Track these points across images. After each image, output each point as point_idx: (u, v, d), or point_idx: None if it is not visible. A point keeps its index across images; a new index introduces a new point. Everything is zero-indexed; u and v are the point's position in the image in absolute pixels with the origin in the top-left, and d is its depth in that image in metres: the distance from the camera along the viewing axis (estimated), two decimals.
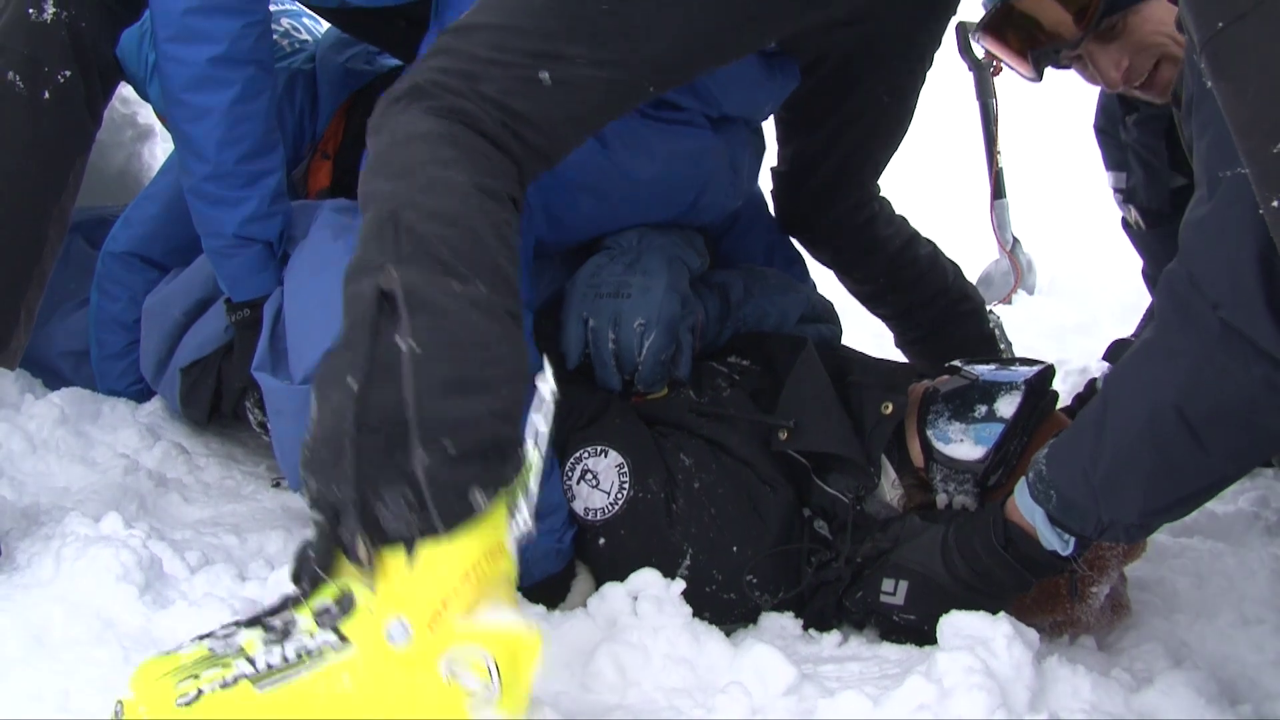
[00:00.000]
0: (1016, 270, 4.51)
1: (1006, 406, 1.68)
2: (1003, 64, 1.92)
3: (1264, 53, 0.98)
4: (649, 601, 1.47)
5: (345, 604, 1.16)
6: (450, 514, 1.14)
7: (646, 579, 1.50)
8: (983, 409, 1.69)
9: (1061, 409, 1.80)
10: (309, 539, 1.21)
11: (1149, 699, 1.32)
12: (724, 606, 1.67)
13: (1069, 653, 1.46)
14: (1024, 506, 1.47)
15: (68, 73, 1.72)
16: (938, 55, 2.27)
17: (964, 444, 1.68)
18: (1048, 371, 1.76)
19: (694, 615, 1.56)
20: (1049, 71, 1.94)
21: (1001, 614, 1.38)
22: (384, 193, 1.32)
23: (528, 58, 1.43)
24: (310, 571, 1.19)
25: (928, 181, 2.57)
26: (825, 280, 2.56)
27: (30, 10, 1.70)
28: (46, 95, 1.70)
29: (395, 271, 1.23)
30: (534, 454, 1.21)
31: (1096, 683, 1.32)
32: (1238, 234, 1.15)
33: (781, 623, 1.59)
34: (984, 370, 1.78)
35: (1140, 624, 1.60)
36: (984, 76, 4.35)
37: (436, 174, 1.33)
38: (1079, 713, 1.29)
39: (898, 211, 2.53)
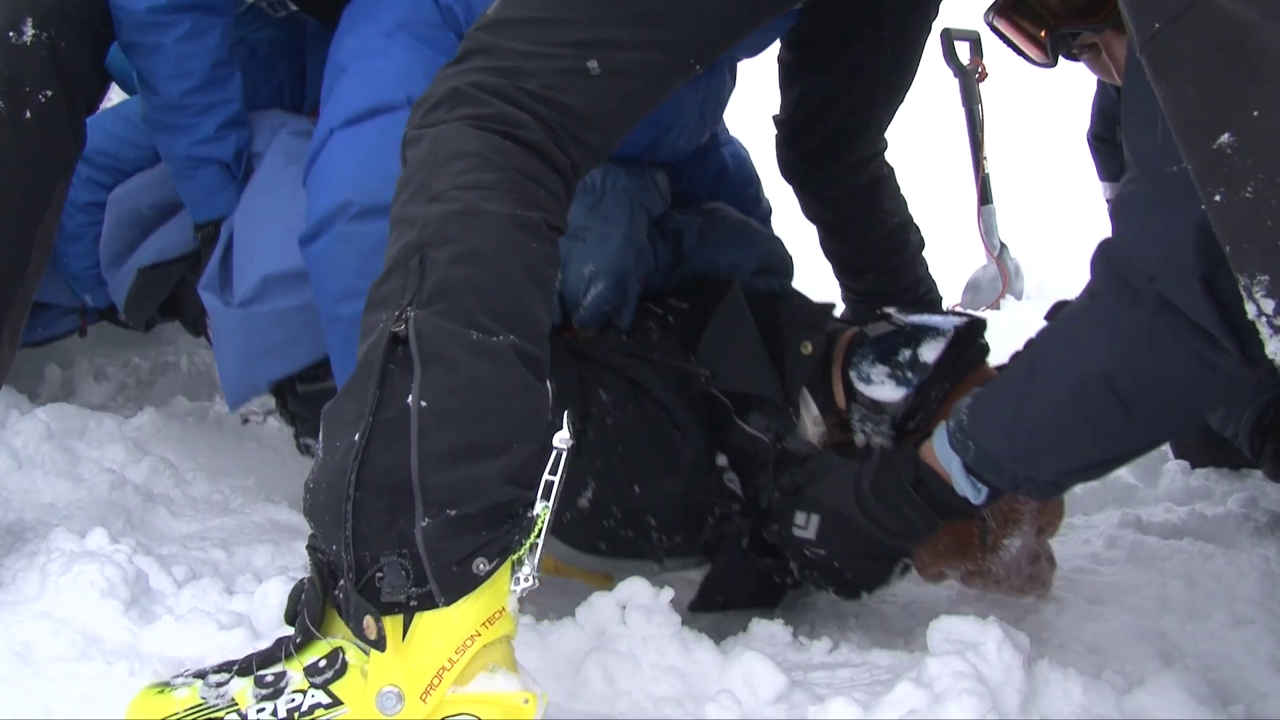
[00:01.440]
0: (1004, 275, 4.53)
1: (930, 352, 1.69)
2: (1016, 50, 1.86)
3: (1197, 53, 1.00)
4: (637, 610, 1.46)
5: (337, 663, 1.16)
6: (451, 586, 1.11)
7: (635, 588, 1.49)
8: (907, 354, 1.70)
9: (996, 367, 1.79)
10: (305, 581, 1.20)
11: (1140, 701, 1.32)
12: (620, 542, 1.71)
13: (1060, 655, 1.46)
14: (941, 453, 1.48)
15: (49, 92, 1.74)
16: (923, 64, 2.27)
17: (885, 386, 1.70)
18: (978, 323, 1.77)
19: (589, 548, 1.63)
20: (1033, 77, 1.93)
21: (992, 618, 1.38)
22: (415, 220, 1.26)
23: (573, 48, 1.36)
24: (303, 625, 1.18)
25: (914, 187, 2.54)
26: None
27: (10, 33, 1.72)
28: (28, 115, 1.71)
29: (412, 315, 1.18)
30: (544, 511, 1.16)
31: (1088, 685, 1.31)
32: (1181, 214, 1.16)
33: (771, 630, 1.58)
34: (915, 318, 1.79)
35: (1131, 626, 1.59)
36: (969, 82, 4.37)
37: (473, 204, 1.25)
38: (1070, 715, 1.29)
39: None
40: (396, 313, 1.19)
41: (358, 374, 1.20)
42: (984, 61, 4.34)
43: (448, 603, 1.11)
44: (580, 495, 1.68)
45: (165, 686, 1.20)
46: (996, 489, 1.45)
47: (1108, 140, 2.41)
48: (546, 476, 1.17)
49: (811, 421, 1.75)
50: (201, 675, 1.20)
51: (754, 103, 2.66)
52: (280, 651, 1.18)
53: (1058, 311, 1.56)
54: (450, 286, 1.20)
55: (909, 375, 1.69)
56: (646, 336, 1.85)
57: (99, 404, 2.72)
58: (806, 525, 1.62)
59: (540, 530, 1.15)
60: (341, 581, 1.14)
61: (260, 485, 2.25)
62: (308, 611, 1.17)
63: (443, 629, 1.11)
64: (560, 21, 1.37)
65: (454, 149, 1.30)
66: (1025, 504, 1.61)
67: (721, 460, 1.77)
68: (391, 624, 1.11)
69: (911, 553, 1.64)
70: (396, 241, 1.27)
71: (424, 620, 1.11)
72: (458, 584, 1.11)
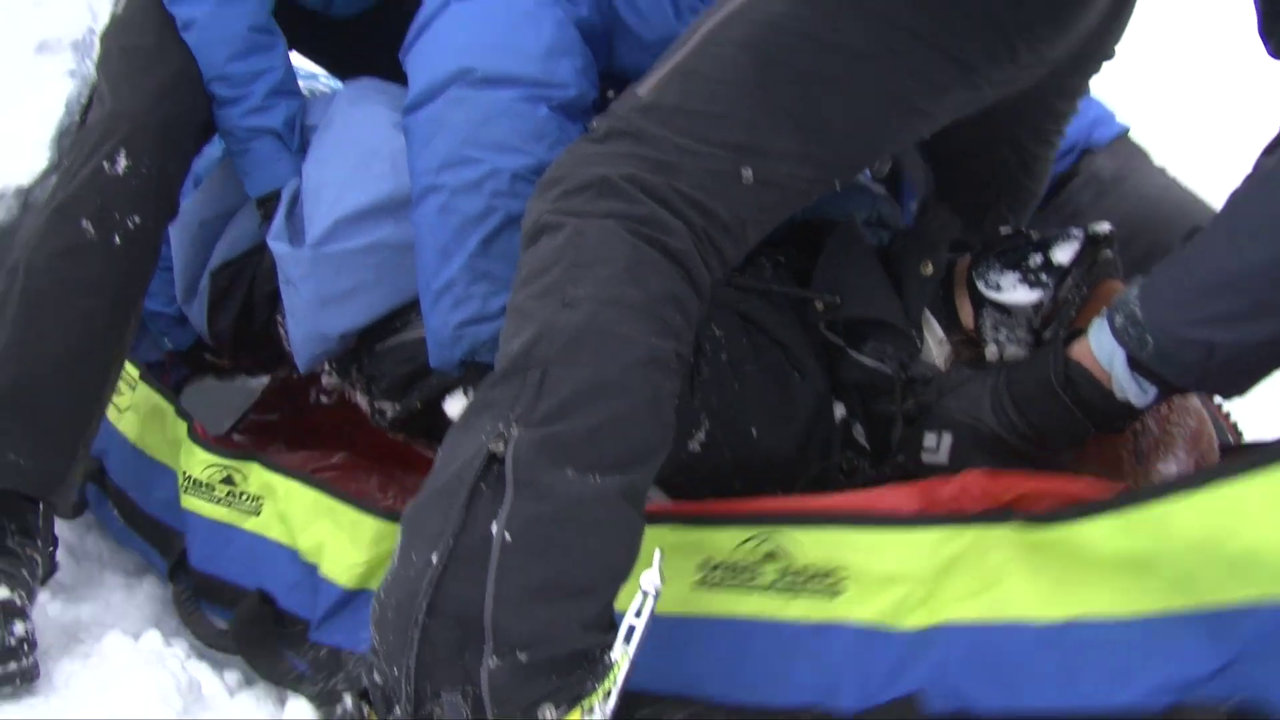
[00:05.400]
0: None
1: (1063, 253, 1.55)
2: None
3: None
4: None
5: None
6: None
7: None
8: (1038, 258, 1.56)
9: None
10: (350, 704, 1.14)
11: None
12: (729, 493, 1.53)
13: None
14: (1099, 348, 1.31)
15: (137, 219, 1.81)
16: None
17: (1017, 291, 1.55)
18: (1109, 230, 1.60)
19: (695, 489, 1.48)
20: None
21: None
22: (543, 322, 1.17)
23: (730, 151, 1.29)
24: None
25: None
26: None
27: (105, 163, 1.81)
28: (117, 240, 1.79)
29: (516, 434, 1.11)
30: (624, 656, 1.06)
31: None
32: None
33: None
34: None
35: None
36: None
37: (609, 325, 1.16)
38: None
39: None
40: (501, 426, 1.12)
41: (448, 485, 1.13)
42: None
43: None
44: (692, 437, 1.52)
45: None
46: (1171, 385, 1.27)
47: None
48: (630, 619, 1.06)
49: (936, 342, 1.59)
50: None
51: None
52: None
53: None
54: (566, 414, 1.12)
55: (1043, 277, 1.54)
56: (759, 270, 1.72)
57: None
58: (938, 447, 1.46)
59: (617, 677, 1.05)
60: (396, 711, 1.07)
61: None
62: None
63: None
64: (720, 119, 1.30)
65: (599, 252, 1.21)
66: (1179, 425, 1.44)
67: (840, 411, 1.61)
68: None
69: None
70: (515, 337, 1.19)
71: None
72: None
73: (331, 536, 1.78)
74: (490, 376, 1.20)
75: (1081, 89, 1.81)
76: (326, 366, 1.91)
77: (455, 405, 1.62)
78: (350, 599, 1.73)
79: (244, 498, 1.91)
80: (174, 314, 2.26)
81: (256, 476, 1.91)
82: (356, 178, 1.79)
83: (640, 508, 1.15)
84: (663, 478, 1.50)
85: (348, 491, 1.84)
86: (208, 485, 1.94)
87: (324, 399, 2.10)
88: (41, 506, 1.74)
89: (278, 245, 1.84)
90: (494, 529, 1.07)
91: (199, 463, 1.96)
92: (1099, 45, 1.64)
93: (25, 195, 2.52)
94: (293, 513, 1.84)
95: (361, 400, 1.88)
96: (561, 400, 1.12)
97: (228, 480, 1.94)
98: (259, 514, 1.89)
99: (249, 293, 2.06)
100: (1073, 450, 1.42)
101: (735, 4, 1.38)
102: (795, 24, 1.33)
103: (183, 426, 2.03)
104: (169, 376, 2.31)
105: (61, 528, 2.08)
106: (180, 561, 1.96)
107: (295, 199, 1.92)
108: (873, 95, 1.36)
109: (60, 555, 2.01)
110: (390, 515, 1.75)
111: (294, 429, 2.31)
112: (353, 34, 2.30)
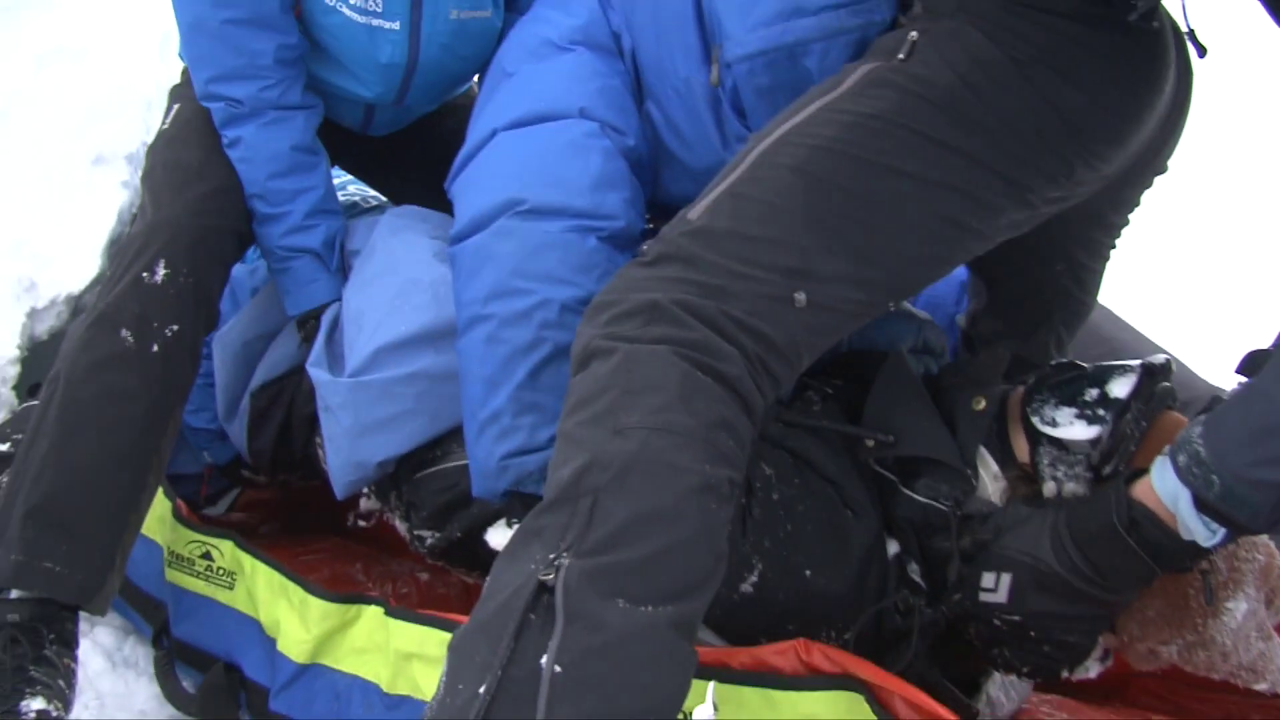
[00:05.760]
0: None
1: (1121, 387, 1.50)
2: None
3: None
4: None
5: None
6: None
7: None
8: (1094, 392, 1.51)
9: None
10: None
11: None
12: (782, 636, 1.48)
13: None
14: (1164, 487, 1.26)
15: (175, 327, 1.83)
16: None
17: (1074, 426, 1.49)
18: (1165, 361, 1.56)
19: (744, 639, 1.43)
20: None
21: None
22: (594, 449, 1.16)
23: (783, 275, 1.28)
24: None
25: None
26: None
27: (144, 274, 1.83)
28: (155, 349, 1.81)
29: (566, 564, 1.09)
30: None
31: None
32: None
33: None
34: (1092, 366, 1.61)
35: None
36: None
37: (661, 453, 1.14)
38: None
39: None
40: (551, 556, 1.10)
41: (496, 614, 1.10)
42: None
43: None
44: (745, 580, 1.47)
45: None
46: (1242, 527, 1.23)
47: None
48: None
49: (991, 478, 1.56)
50: None
51: None
52: None
53: (1253, 361, 1.34)
54: (617, 544, 1.10)
55: (1101, 412, 1.49)
56: (807, 405, 1.69)
57: None
58: (996, 586, 1.42)
59: None
60: None
61: None
62: None
63: None
64: (772, 243, 1.30)
65: (650, 378, 1.19)
66: (1247, 560, 1.40)
67: (894, 548, 1.57)
68: None
69: (1116, 628, 1.44)
70: (565, 464, 1.17)
71: None
72: None
73: (285, 614, 1.86)
74: (539, 504, 1.18)
75: (1136, 200, 1.79)
76: (365, 491, 1.92)
77: (497, 536, 1.61)
78: (301, 673, 1.81)
79: (220, 572, 1.99)
80: (215, 429, 2.28)
81: (230, 554, 1.99)
82: (397, 307, 1.80)
83: (692, 639, 1.12)
84: (714, 619, 1.48)
85: (309, 578, 1.89)
86: (188, 560, 2.02)
87: (361, 523, 2.12)
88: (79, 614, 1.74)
89: (317, 373, 1.85)
90: (543, 661, 1.04)
91: (182, 539, 2.04)
92: (1154, 158, 1.64)
93: (76, 302, 2.59)
94: (257, 589, 1.93)
95: (400, 526, 1.87)
96: (613, 530, 1.10)
97: (206, 556, 2.01)
98: (232, 588, 1.97)
99: (288, 414, 2.08)
100: (1139, 590, 1.39)
101: (785, 128, 1.39)
102: (846, 147, 1.34)
103: (169, 506, 2.09)
104: (206, 489, 2.34)
105: (104, 634, 2.10)
106: (163, 628, 2.05)
107: (335, 325, 1.94)
108: (925, 217, 1.36)
109: (100, 662, 2.03)
110: (333, 597, 1.82)
111: (289, 503, 2.42)
112: (390, 152, 2.35)
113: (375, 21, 1.97)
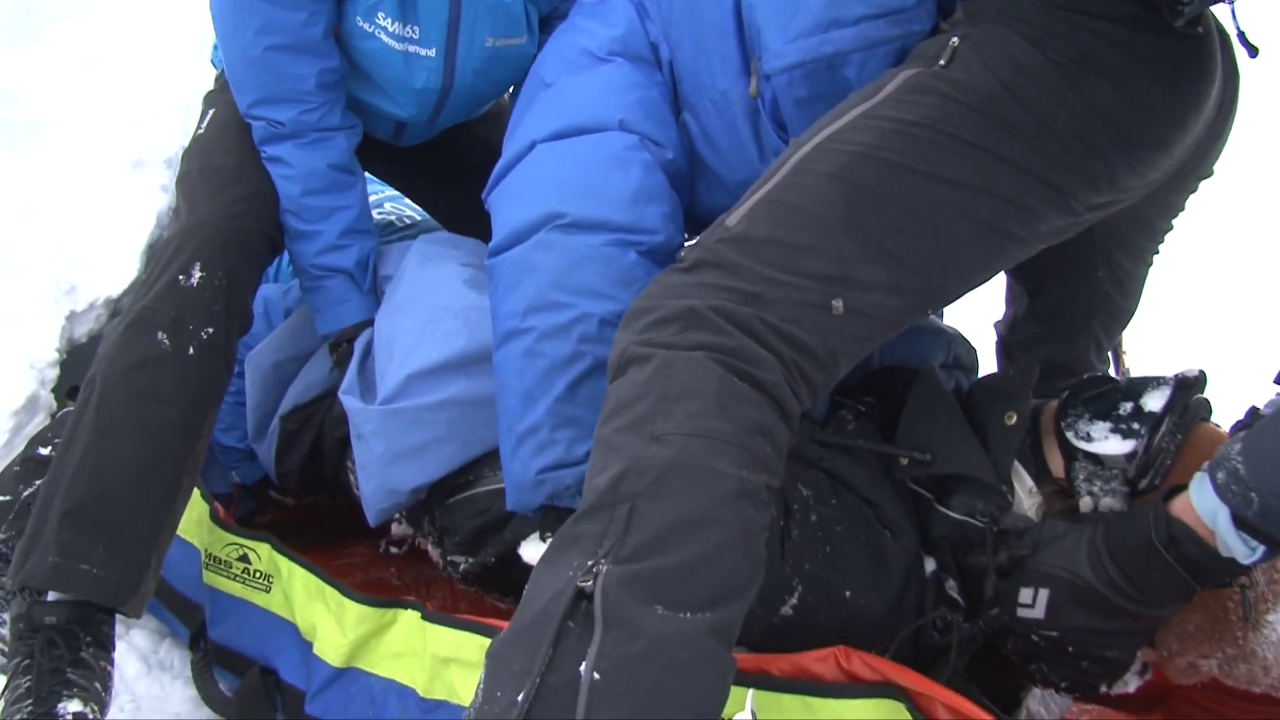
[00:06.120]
0: None
1: (1156, 401, 1.50)
2: None
3: None
4: None
5: None
6: None
7: None
8: (1128, 406, 1.52)
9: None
10: None
11: None
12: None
13: None
14: (1201, 505, 1.26)
15: (210, 330, 1.85)
16: None
17: (1110, 441, 1.50)
18: (1198, 374, 1.55)
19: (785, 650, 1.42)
20: None
21: None
22: (631, 456, 1.16)
23: (820, 282, 1.28)
24: None
25: None
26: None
27: (180, 277, 1.85)
28: (191, 351, 1.82)
29: (604, 570, 1.08)
30: None
31: None
32: None
33: None
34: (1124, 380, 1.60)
35: None
36: None
37: (698, 458, 1.14)
38: None
39: None
40: (590, 563, 1.09)
41: (534, 621, 1.09)
42: None
43: None
44: (785, 603, 1.48)
45: None
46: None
47: None
48: None
49: (1026, 493, 1.56)
50: None
51: None
52: None
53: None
54: (655, 550, 1.09)
55: (1136, 426, 1.50)
56: (841, 425, 1.70)
57: None
58: (1034, 602, 1.42)
59: None
60: None
61: None
62: None
63: None
64: (809, 250, 1.30)
65: (687, 385, 1.20)
66: None
67: (930, 565, 1.57)
68: None
69: (1155, 642, 1.44)
70: (603, 471, 1.17)
71: None
72: None
73: (322, 617, 1.86)
74: (577, 511, 1.18)
75: (1181, 205, 1.78)
76: (397, 516, 1.92)
77: (531, 550, 1.61)
78: (337, 676, 1.81)
79: (257, 575, 2.00)
80: (244, 448, 2.29)
81: (267, 556, 1.99)
82: (429, 333, 1.81)
83: (730, 645, 1.11)
84: (754, 642, 1.48)
85: (346, 581, 1.89)
86: (226, 563, 2.03)
87: (393, 550, 2.12)
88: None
89: (349, 400, 1.85)
90: (582, 668, 1.04)
91: (219, 542, 2.04)
92: (1200, 162, 1.63)
93: (114, 306, 2.61)
94: (293, 592, 1.93)
95: (433, 552, 1.87)
96: (651, 536, 1.10)
97: (243, 559, 2.02)
98: (269, 591, 1.98)
99: (317, 438, 2.09)
100: (1178, 605, 1.38)
101: (825, 134, 1.39)
102: (885, 153, 1.33)
103: (206, 508, 2.10)
104: (235, 508, 2.35)
105: (140, 637, 2.11)
106: (200, 631, 2.06)
107: (368, 352, 1.95)
108: (964, 223, 1.35)
109: (136, 665, 2.04)
110: (371, 601, 1.81)
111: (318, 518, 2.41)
112: (421, 159, 2.37)
113: (412, 48, 1.99)
